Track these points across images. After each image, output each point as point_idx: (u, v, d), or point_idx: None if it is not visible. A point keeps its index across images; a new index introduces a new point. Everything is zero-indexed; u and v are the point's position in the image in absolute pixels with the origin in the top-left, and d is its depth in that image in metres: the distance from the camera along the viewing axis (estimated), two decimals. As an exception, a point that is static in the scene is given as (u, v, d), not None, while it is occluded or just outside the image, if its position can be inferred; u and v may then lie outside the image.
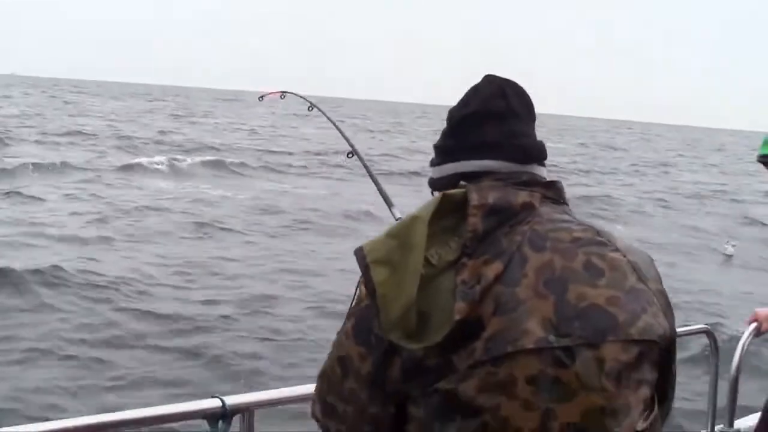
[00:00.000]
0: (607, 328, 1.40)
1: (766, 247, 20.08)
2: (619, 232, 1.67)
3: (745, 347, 3.98)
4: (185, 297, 11.35)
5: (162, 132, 41.67)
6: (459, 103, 1.65)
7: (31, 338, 9.24)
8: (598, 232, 1.52)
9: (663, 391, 1.57)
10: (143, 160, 27.53)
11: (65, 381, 8.24)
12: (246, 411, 2.29)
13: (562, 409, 1.36)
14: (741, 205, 31.14)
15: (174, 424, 2.26)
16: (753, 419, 2.83)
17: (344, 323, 1.53)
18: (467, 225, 1.45)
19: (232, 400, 2.26)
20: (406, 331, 1.38)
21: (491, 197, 1.48)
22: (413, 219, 1.45)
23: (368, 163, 3.08)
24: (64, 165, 24.58)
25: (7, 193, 18.65)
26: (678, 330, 1.73)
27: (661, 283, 1.56)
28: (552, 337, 1.38)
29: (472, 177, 1.57)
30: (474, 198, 1.47)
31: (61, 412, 7.18)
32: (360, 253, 1.44)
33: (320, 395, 1.57)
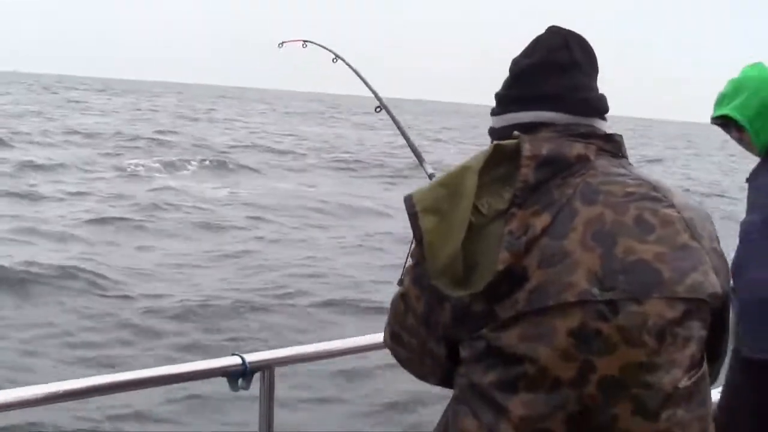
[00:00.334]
0: (653, 284, 1.40)
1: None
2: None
3: None
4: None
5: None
6: (522, 53, 1.63)
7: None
8: (655, 187, 1.51)
9: (715, 351, 1.56)
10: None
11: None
12: (266, 368, 2.30)
13: (601, 361, 1.37)
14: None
15: (194, 382, 2.28)
16: (715, 395, 2.77)
17: (407, 262, 1.58)
18: (519, 175, 1.45)
19: (252, 357, 2.27)
20: (452, 279, 1.42)
21: (545, 148, 1.48)
22: (464, 169, 1.47)
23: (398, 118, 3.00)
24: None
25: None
26: None
27: (717, 242, 1.54)
28: (596, 290, 1.38)
29: (530, 128, 1.55)
30: (527, 149, 1.47)
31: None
32: (409, 201, 1.48)
33: (389, 323, 1.63)
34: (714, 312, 1.49)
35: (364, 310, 9.67)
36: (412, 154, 2.86)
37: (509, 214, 1.43)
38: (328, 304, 10.07)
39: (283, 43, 3.40)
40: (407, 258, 1.59)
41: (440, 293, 1.45)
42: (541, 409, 1.38)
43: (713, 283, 1.47)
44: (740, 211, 2.96)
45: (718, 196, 25.55)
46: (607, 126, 1.62)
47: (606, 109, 1.63)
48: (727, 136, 2.95)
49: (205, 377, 2.27)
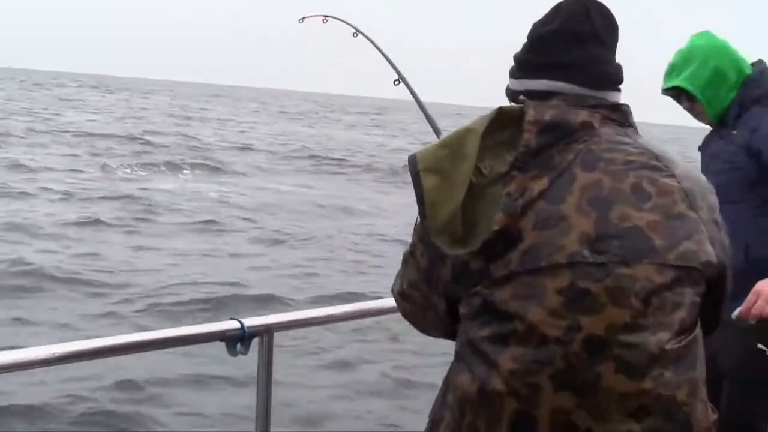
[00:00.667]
0: (644, 251, 1.44)
1: None
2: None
3: None
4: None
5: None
6: (542, 19, 1.64)
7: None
8: (657, 156, 1.53)
9: (711, 321, 1.59)
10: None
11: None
12: (265, 333, 2.29)
13: (587, 320, 1.42)
14: None
15: (192, 347, 2.28)
16: None
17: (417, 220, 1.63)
18: (521, 140, 1.49)
19: (251, 321, 2.25)
20: (452, 237, 1.48)
21: (548, 114, 1.51)
22: (467, 131, 1.52)
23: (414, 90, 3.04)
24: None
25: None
26: None
27: (717, 212, 1.56)
28: (587, 252, 1.44)
29: (542, 96, 1.58)
30: (530, 114, 1.51)
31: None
32: (413, 161, 1.53)
33: (398, 276, 1.70)
34: (710, 281, 1.52)
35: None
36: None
37: (509, 177, 1.48)
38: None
39: (303, 18, 3.35)
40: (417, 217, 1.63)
41: (440, 251, 1.50)
42: (528, 364, 1.43)
43: (708, 253, 1.49)
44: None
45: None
46: (619, 96, 1.62)
47: (620, 80, 1.63)
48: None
49: (202, 341, 2.26)
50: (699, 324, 1.52)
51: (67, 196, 15.79)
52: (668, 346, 1.44)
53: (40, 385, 6.15)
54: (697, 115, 2.87)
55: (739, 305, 2.52)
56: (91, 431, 5.77)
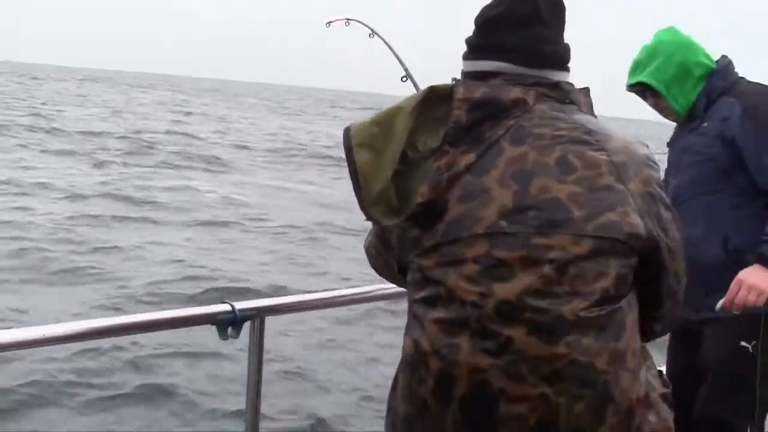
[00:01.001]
0: (561, 221, 1.49)
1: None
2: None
3: None
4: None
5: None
6: (490, 3, 1.69)
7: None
8: (588, 131, 1.57)
9: (654, 295, 1.62)
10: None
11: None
12: (256, 317, 2.27)
13: (500, 287, 1.50)
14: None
15: (183, 331, 2.26)
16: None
17: None
18: (451, 116, 1.57)
19: (242, 305, 2.24)
20: (387, 208, 1.58)
21: (478, 92, 1.59)
22: (397, 109, 1.60)
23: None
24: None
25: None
26: None
27: (653, 186, 1.57)
28: (504, 223, 1.51)
29: (487, 76, 1.63)
30: (460, 92, 1.59)
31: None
32: (346, 135, 1.61)
33: (368, 234, 1.82)
34: (642, 254, 1.54)
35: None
36: None
37: (441, 152, 1.57)
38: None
39: (330, 22, 3.61)
40: None
41: (375, 220, 1.61)
42: (449, 326, 1.53)
43: (633, 225, 1.52)
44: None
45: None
46: (567, 76, 1.67)
47: (566, 61, 1.68)
48: None
49: (193, 324, 2.25)
50: (632, 296, 1.55)
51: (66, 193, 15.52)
52: (585, 314, 1.48)
53: (21, 367, 6.13)
54: (662, 110, 2.85)
55: (720, 298, 2.50)
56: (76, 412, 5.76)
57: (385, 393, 1.72)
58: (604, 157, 1.54)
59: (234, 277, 9.54)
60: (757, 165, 2.60)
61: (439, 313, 1.54)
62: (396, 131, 1.58)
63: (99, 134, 27.19)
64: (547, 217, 1.49)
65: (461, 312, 1.51)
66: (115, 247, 10.76)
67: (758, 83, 2.80)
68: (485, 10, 1.68)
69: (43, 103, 41.62)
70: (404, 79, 3.22)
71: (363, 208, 1.59)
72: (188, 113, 45.22)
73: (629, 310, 1.54)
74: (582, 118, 1.60)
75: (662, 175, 1.73)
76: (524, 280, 1.49)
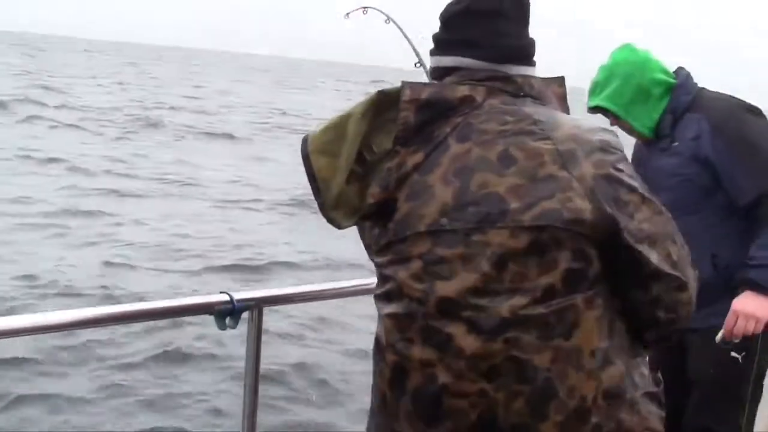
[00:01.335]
0: (497, 215, 1.50)
1: None
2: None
3: None
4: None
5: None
6: (454, 0, 1.69)
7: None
8: (535, 122, 1.55)
9: (615, 283, 1.55)
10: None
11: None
12: (255, 308, 2.27)
13: (441, 284, 1.53)
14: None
15: (181, 319, 2.26)
16: None
17: None
18: (399, 118, 1.60)
19: (240, 295, 2.23)
20: (348, 209, 1.63)
21: (425, 92, 1.61)
22: (347, 115, 1.65)
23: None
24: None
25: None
26: None
27: (608, 169, 1.52)
28: (444, 220, 1.53)
29: (448, 72, 1.66)
30: (406, 94, 1.61)
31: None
32: (303, 143, 1.66)
33: None
34: (602, 241, 1.49)
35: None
36: None
37: (393, 153, 1.61)
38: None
39: (348, 13, 3.74)
40: None
41: (335, 223, 1.65)
42: (401, 321, 1.58)
43: (576, 209, 1.48)
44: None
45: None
46: (531, 71, 1.67)
47: (530, 55, 1.68)
48: None
49: (191, 313, 2.25)
50: (598, 292, 1.51)
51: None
52: (526, 312, 1.48)
53: (19, 355, 6.13)
54: (626, 131, 2.81)
55: (708, 314, 2.47)
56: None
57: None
58: (548, 146, 1.52)
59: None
60: (732, 183, 2.59)
61: (392, 308, 1.59)
62: (348, 136, 1.63)
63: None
64: (486, 212, 1.51)
65: (410, 308, 1.56)
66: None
67: (717, 94, 2.78)
68: (449, 6, 1.70)
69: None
70: (417, 65, 3.29)
71: (323, 211, 1.65)
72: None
73: (589, 307, 1.51)
74: (531, 109, 1.59)
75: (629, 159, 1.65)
76: (464, 277, 1.51)
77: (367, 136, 1.63)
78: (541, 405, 1.49)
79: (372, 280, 2.57)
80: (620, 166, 1.56)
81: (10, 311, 6.93)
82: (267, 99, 39.72)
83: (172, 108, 29.29)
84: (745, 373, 2.64)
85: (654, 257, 1.55)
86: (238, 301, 2.20)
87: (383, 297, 1.63)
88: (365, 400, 1.75)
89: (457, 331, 1.51)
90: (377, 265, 1.65)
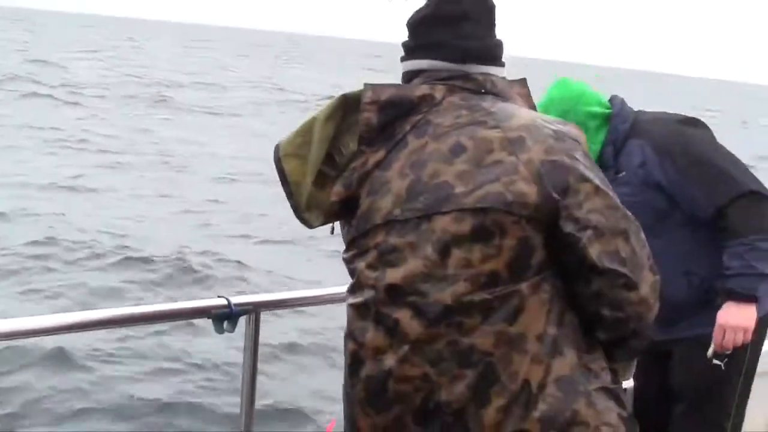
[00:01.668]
0: (443, 200, 1.54)
1: None
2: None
3: None
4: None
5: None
6: (420, 6, 1.74)
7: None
8: (488, 113, 1.59)
9: (562, 272, 1.56)
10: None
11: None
12: (252, 312, 2.28)
13: (390, 272, 1.58)
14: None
15: (179, 323, 2.27)
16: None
17: None
18: (361, 119, 1.65)
19: (238, 299, 2.25)
20: (322, 210, 1.69)
21: (385, 94, 1.65)
22: (313, 119, 1.71)
23: None
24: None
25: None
26: None
27: (560, 155, 1.54)
28: (398, 211, 1.59)
29: (415, 74, 1.71)
30: (367, 96, 1.66)
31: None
32: (276, 150, 1.72)
33: None
34: (548, 224, 1.51)
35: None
36: None
37: (359, 153, 1.66)
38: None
39: None
40: None
41: (308, 224, 1.71)
42: (359, 310, 1.63)
43: (519, 192, 1.51)
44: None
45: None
46: (499, 70, 1.70)
47: (495, 55, 1.71)
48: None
49: (189, 317, 2.26)
50: (546, 279, 1.54)
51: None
52: (468, 298, 1.52)
53: (18, 358, 6.12)
54: None
55: (691, 323, 2.54)
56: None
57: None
58: (498, 134, 1.56)
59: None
60: (690, 203, 2.60)
61: (353, 299, 1.66)
62: (314, 139, 1.69)
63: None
64: (433, 199, 1.55)
65: (366, 296, 1.62)
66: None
67: (653, 114, 2.78)
68: (415, 14, 1.74)
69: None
70: None
71: (296, 213, 1.71)
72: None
73: (535, 292, 1.53)
74: (489, 104, 1.62)
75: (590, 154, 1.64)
76: (411, 264, 1.56)
77: (335, 138, 1.70)
78: (482, 389, 1.52)
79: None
80: (576, 155, 1.57)
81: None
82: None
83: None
84: (729, 379, 2.65)
85: (595, 249, 1.54)
86: (236, 305, 2.21)
87: (349, 290, 1.69)
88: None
89: (402, 316, 1.56)
90: (345, 262, 1.70)
